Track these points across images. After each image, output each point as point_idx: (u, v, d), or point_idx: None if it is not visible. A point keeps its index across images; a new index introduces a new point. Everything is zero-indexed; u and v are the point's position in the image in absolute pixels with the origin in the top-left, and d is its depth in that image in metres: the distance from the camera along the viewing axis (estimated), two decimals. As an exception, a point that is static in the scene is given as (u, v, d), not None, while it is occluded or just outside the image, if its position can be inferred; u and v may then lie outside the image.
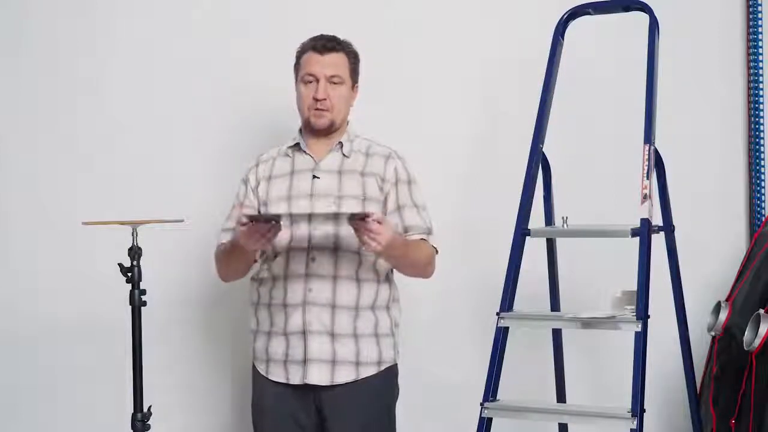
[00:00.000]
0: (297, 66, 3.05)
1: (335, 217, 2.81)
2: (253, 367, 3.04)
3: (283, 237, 2.87)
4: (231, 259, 2.97)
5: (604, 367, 3.79)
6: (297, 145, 3.05)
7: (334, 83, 2.98)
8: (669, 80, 3.40)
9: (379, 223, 2.71)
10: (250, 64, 3.62)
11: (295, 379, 2.93)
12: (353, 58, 3.05)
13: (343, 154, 3.02)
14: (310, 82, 2.98)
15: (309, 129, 3.03)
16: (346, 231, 2.84)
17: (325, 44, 3.00)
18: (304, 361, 2.91)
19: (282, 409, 2.97)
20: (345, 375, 2.92)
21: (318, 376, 2.91)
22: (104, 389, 3.52)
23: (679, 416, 3.76)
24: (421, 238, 2.99)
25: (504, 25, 3.79)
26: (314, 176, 2.99)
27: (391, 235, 2.77)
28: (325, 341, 2.91)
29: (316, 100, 2.97)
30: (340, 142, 3.03)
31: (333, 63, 2.99)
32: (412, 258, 2.96)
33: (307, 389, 2.93)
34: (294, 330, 2.92)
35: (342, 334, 2.92)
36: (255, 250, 2.87)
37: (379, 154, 3.04)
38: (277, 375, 2.96)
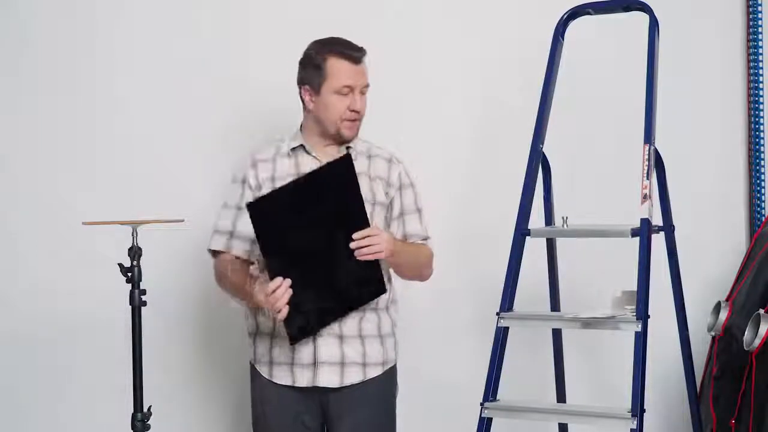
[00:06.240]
0: (321, 71, 2.90)
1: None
2: (253, 368, 3.03)
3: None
4: (236, 295, 2.96)
5: (604, 367, 3.79)
6: (301, 146, 3.00)
7: (363, 93, 2.94)
8: (669, 80, 3.40)
9: (370, 236, 2.74)
10: (250, 64, 3.62)
11: (303, 382, 2.91)
12: None
13: None
14: (346, 93, 2.91)
15: (331, 137, 2.96)
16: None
17: (359, 54, 2.92)
18: (314, 364, 2.90)
19: (287, 412, 2.95)
20: (353, 376, 2.92)
21: (328, 379, 2.90)
22: (104, 389, 3.52)
23: (679, 416, 3.76)
24: (421, 243, 3.00)
25: (504, 25, 3.79)
26: None
27: (389, 242, 2.79)
28: (334, 343, 2.90)
29: (354, 111, 2.91)
30: (349, 145, 2.99)
31: (365, 73, 2.93)
32: (416, 262, 2.98)
33: (313, 391, 2.92)
34: (301, 333, 2.91)
35: (349, 335, 2.92)
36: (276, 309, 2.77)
37: (381, 156, 3.02)
38: (282, 378, 2.94)
